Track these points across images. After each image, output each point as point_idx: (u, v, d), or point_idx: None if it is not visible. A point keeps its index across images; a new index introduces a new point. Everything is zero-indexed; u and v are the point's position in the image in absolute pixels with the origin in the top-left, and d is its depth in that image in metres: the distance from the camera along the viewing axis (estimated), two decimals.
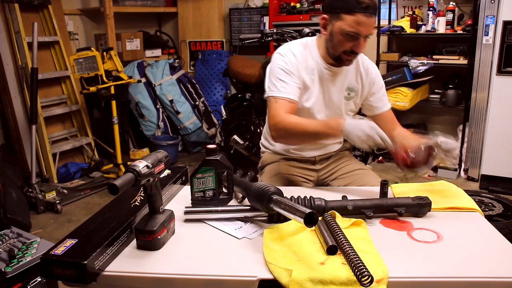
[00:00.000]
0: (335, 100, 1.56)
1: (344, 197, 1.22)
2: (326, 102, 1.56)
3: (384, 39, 3.71)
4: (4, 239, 1.79)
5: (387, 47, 3.76)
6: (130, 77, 3.52)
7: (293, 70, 1.47)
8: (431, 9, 3.30)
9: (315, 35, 2.48)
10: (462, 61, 3.26)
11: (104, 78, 3.14)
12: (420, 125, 3.72)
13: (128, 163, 3.02)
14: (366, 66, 1.58)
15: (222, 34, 4.47)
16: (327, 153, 1.70)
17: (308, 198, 1.16)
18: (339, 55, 1.44)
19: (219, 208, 1.18)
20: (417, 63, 3.35)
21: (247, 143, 3.01)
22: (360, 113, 1.73)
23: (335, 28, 1.39)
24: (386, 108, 1.62)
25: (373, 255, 0.96)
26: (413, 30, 3.39)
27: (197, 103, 4.10)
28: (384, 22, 3.65)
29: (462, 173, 3.36)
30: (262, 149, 1.80)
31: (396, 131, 1.53)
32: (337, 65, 1.50)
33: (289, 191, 1.21)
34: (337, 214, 1.13)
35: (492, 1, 2.92)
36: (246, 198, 1.20)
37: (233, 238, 1.08)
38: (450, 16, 3.23)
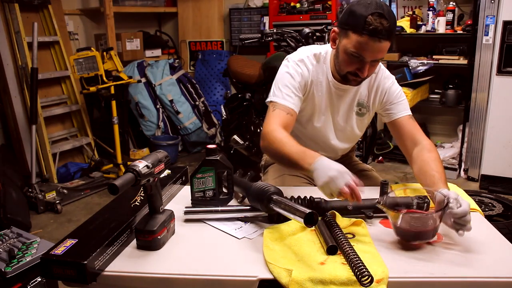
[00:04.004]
0: (345, 118, 1.49)
1: None
2: (335, 121, 1.49)
3: None
4: (4, 239, 1.79)
5: None
6: (130, 77, 3.52)
7: (302, 85, 1.40)
8: (431, 9, 3.30)
9: (315, 35, 2.50)
10: (462, 61, 3.26)
11: (104, 78, 3.14)
12: (420, 125, 3.70)
13: (128, 163, 3.02)
14: (379, 79, 1.46)
15: (222, 34, 4.47)
16: (330, 157, 1.69)
17: (308, 198, 1.16)
18: (345, 75, 1.35)
19: (219, 208, 1.18)
20: (417, 63, 3.35)
21: (247, 143, 3.00)
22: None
23: (341, 45, 1.29)
24: (401, 114, 1.45)
25: (373, 255, 0.96)
26: (413, 30, 3.39)
27: (197, 103, 4.10)
28: None
29: (462, 173, 3.36)
30: None
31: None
32: (345, 83, 1.42)
33: (289, 191, 1.21)
34: (337, 214, 1.13)
35: (492, 1, 2.92)
36: (246, 198, 1.20)
37: (233, 238, 1.08)
38: (450, 16, 3.24)
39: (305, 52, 1.46)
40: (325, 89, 1.44)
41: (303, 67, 1.42)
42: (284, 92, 1.38)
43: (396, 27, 1.30)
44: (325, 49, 1.46)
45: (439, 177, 1.20)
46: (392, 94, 1.46)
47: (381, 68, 1.47)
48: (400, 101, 1.46)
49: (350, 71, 1.32)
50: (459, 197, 1.06)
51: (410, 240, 1.02)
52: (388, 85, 1.46)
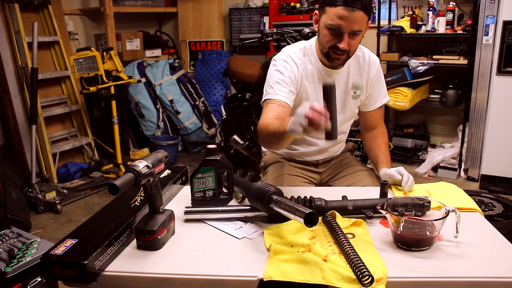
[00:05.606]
0: (342, 103, 1.54)
1: (344, 197, 1.22)
2: None
3: (384, 39, 3.71)
4: (4, 239, 1.79)
5: (387, 47, 3.76)
6: (130, 77, 3.52)
7: (293, 79, 1.45)
8: (431, 9, 3.30)
9: (315, 35, 2.49)
10: (462, 61, 3.26)
11: (104, 78, 3.15)
12: (420, 125, 3.72)
13: (128, 163, 3.03)
14: (368, 58, 1.54)
15: (222, 34, 4.47)
16: (329, 157, 1.70)
17: (308, 198, 1.16)
18: (327, 52, 1.40)
19: (219, 208, 1.18)
20: (417, 63, 3.35)
21: (247, 143, 3.01)
22: None
23: (321, 22, 1.38)
24: (374, 107, 1.61)
25: (373, 255, 0.96)
26: (413, 30, 3.39)
27: (197, 103, 4.10)
28: (384, 22, 3.65)
29: (462, 173, 3.36)
30: (264, 149, 1.79)
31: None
32: (332, 65, 1.46)
33: (289, 191, 1.21)
34: (337, 214, 1.13)
35: (492, 1, 2.92)
36: (246, 198, 1.20)
37: (233, 238, 1.08)
38: (450, 16, 3.24)
39: (291, 49, 1.52)
40: (317, 78, 1.49)
41: (291, 62, 1.47)
42: (275, 88, 1.43)
43: (371, 3, 1.38)
44: (310, 43, 1.53)
45: (384, 158, 1.50)
46: (377, 80, 1.57)
47: (363, 48, 1.54)
48: (378, 93, 1.59)
49: (331, 46, 1.37)
50: (400, 169, 1.36)
51: (410, 246, 1.01)
52: (377, 67, 1.56)
